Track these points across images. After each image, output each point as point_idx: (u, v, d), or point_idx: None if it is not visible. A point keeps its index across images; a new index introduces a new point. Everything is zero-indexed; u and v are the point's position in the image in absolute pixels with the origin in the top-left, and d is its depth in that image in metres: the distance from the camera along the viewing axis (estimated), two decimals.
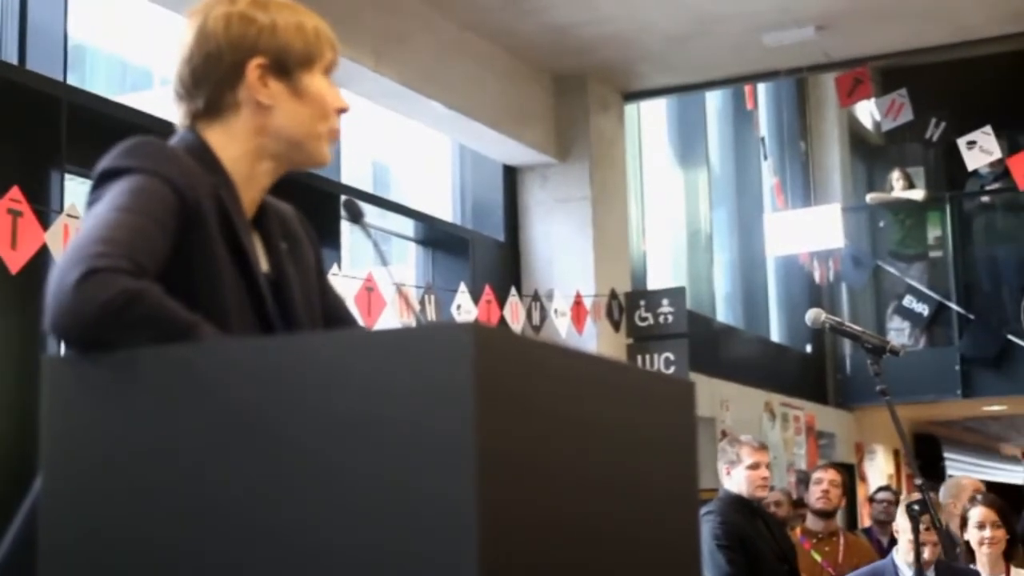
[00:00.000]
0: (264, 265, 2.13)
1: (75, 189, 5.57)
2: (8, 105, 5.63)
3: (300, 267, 2.21)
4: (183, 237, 1.92)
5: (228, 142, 2.13)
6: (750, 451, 6.01)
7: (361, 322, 6.18)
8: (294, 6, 2.21)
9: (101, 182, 1.95)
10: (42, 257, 5.09)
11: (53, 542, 1.63)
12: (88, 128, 5.74)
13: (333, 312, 2.29)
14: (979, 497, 5.70)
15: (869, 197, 14.06)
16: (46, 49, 5.94)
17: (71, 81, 6.03)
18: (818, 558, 7.13)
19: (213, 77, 2.13)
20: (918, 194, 13.69)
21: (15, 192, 5.05)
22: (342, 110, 2.21)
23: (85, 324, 1.67)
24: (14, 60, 5.82)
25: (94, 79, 7.82)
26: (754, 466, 5.97)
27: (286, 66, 2.14)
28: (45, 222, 5.19)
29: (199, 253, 1.96)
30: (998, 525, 5.50)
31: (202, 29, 2.14)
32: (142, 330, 1.68)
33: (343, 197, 2.44)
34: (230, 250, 2.02)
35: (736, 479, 6.00)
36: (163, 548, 1.55)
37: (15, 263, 5.01)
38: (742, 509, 5.99)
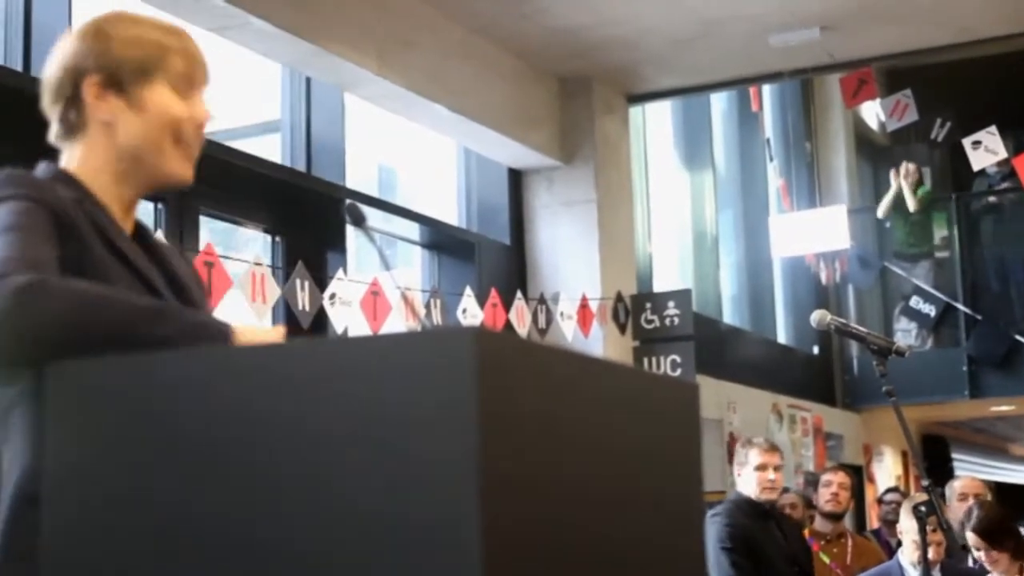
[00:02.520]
0: (155, 275, 2.12)
1: None
2: (12, 111, 5.62)
3: (181, 294, 2.18)
4: (63, 252, 1.93)
5: (83, 161, 2.14)
6: (758, 452, 6.00)
7: (364, 323, 6.17)
8: (149, 21, 2.19)
9: None
10: None
11: (55, 538, 1.63)
12: None
13: None
14: (974, 512, 5.54)
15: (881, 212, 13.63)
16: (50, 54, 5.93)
17: None
18: (826, 560, 7.12)
19: (61, 96, 2.15)
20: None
21: None
22: (199, 123, 2.17)
23: (14, 327, 1.72)
24: (19, 67, 5.82)
25: None
26: (761, 467, 5.96)
27: (120, 80, 2.12)
28: None
29: (81, 263, 1.96)
30: (990, 548, 5.39)
31: (60, 48, 2.17)
32: (68, 311, 1.73)
33: (347, 201, 2.42)
34: (112, 255, 2.03)
35: (745, 481, 6.00)
36: (160, 553, 1.55)
37: None
38: (751, 512, 5.97)
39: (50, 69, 2.17)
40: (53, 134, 2.19)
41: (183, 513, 1.55)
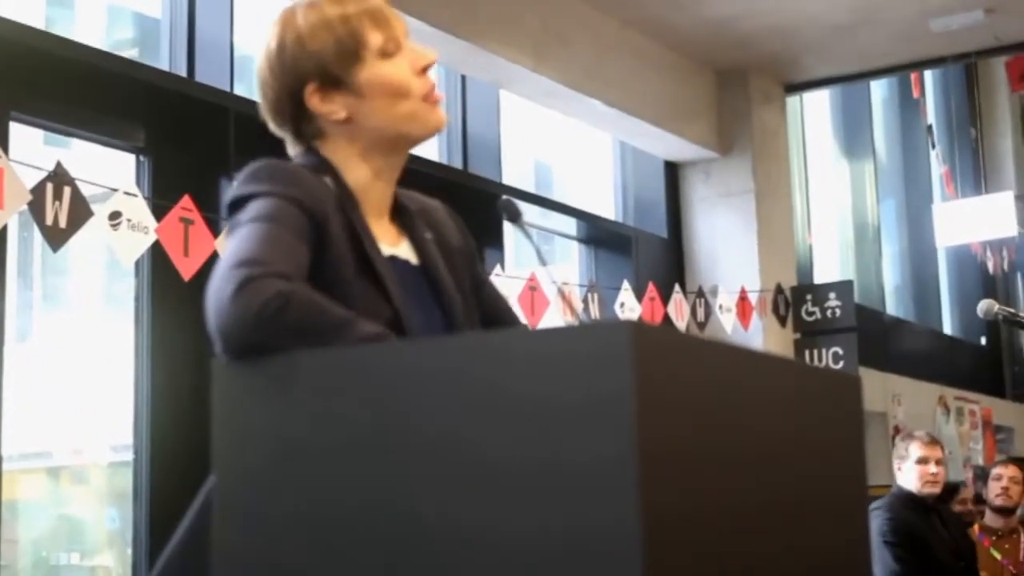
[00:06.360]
0: (413, 257, 2.12)
1: None
2: (179, 116, 5.78)
3: (450, 259, 2.17)
4: (314, 254, 1.92)
5: (337, 156, 2.10)
6: (919, 446, 5.92)
7: (522, 317, 6.20)
8: (322, 2, 2.10)
9: (234, 208, 1.97)
10: (213, 263, 5.19)
11: (225, 531, 1.67)
12: (255, 136, 5.84)
13: (491, 307, 2.25)
14: None
15: None
16: (214, 61, 6.09)
17: (238, 91, 6.17)
18: (998, 556, 6.97)
19: (285, 117, 2.12)
20: None
21: (186, 200, 5.19)
22: (425, 67, 2.13)
23: (247, 328, 1.71)
24: (183, 72, 5.98)
25: None
26: (922, 460, 5.87)
27: (334, 76, 2.06)
28: (215, 229, 5.32)
29: (329, 269, 1.95)
30: None
31: (260, 72, 2.12)
32: (300, 329, 1.71)
33: (502, 197, 2.41)
34: (359, 265, 2.00)
35: (906, 475, 5.92)
36: (334, 543, 1.58)
37: (188, 270, 5.14)
38: (914, 506, 5.88)
39: (262, 95, 2.13)
40: (294, 152, 2.14)
41: (356, 500, 1.58)
